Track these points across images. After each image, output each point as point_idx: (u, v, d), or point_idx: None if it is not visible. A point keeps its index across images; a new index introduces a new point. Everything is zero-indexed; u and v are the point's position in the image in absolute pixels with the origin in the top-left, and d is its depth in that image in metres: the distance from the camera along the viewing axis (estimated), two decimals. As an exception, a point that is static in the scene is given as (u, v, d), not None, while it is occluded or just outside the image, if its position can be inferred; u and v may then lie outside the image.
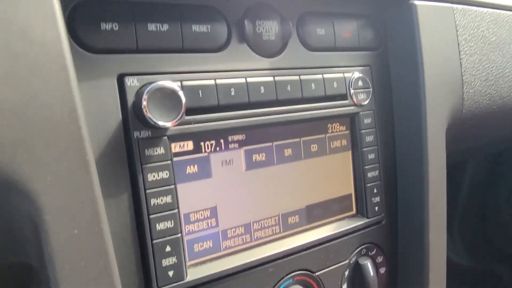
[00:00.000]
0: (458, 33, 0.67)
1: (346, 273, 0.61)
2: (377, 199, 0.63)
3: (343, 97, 0.59)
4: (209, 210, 0.50)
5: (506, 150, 1.58)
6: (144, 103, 0.41)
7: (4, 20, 0.33)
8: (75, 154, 0.35)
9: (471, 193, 1.70)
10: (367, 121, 0.62)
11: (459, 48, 0.68)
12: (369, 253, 0.64)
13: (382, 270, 0.66)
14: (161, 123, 0.42)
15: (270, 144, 0.54)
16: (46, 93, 0.34)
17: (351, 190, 0.63)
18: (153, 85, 0.41)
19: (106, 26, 0.41)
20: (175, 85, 0.43)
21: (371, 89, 0.61)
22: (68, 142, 0.35)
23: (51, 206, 0.34)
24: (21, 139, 0.33)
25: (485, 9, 0.74)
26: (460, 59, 0.68)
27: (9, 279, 0.41)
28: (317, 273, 0.57)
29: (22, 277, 0.41)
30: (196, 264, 0.49)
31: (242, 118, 0.50)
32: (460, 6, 0.69)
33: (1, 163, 0.32)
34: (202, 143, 0.49)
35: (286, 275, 0.54)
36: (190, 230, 0.49)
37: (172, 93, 0.42)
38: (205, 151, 0.49)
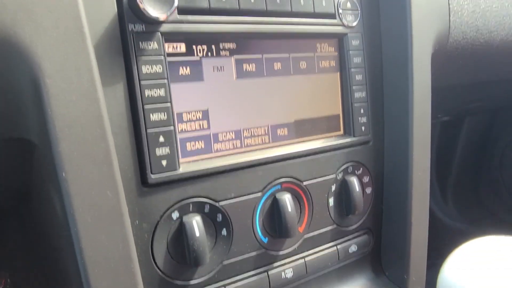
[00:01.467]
0: (445, -38, 0.69)
1: (333, 187, 0.64)
2: (364, 119, 0.66)
3: (332, 16, 0.61)
4: (201, 112, 0.53)
5: (499, 113, 1.61)
6: (138, -7, 0.43)
7: None
8: (72, 24, 0.37)
9: (465, 158, 1.73)
10: (355, 42, 0.64)
11: (446, -23, 0.69)
12: (356, 171, 0.67)
13: (368, 190, 0.69)
14: (153, 14, 0.44)
15: (260, 56, 0.57)
16: (44, -37, 0.36)
17: (339, 111, 0.65)
18: (146, -23, 0.44)
19: None
20: (168, -21, 0.45)
21: (359, 12, 0.64)
22: (65, 10, 0.37)
23: (50, 69, 0.36)
24: (22, 3, 0.35)
25: None
26: (447, -13, 0.70)
27: (9, 157, 0.44)
28: (304, 183, 0.60)
29: (22, 155, 0.44)
30: (189, 162, 0.52)
31: (232, 24, 0.52)
32: None
33: (4, 25, 0.34)
34: (194, 47, 0.51)
35: (275, 180, 0.57)
36: (183, 129, 0.51)
37: (165, -13, 0.45)
38: (197, 55, 0.52)
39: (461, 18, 0.72)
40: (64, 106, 0.37)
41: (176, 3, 0.45)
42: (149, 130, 0.47)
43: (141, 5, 0.44)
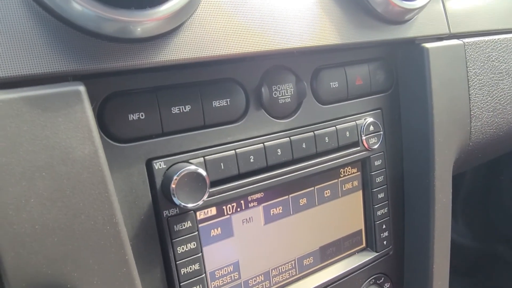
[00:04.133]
0: (468, 68, 0.68)
1: (356, 303, 0.66)
2: (386, 233, 0.67)
3: (355, 144, 0.62)
4: (232, 265, 0.54)
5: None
6: (173, 188, 0.44)
7: (47, 145, 0.35)
8: (116, 255, 0.39)
9: (475, 177, 1.74)
10: (377, 163, 0.64)
11: (468, 84, 0.69)
12: (377, 281, 0.69)
13: (389, 295, 0.71)
14: (190, 205, 0.45)
15: (286, 197, 0.58)
16: (88, 206, 0.37)
17: (362, 226, 0.67)
18: (180, 171, 0.44)
19: (133, 116, 0.44)
20: (201, 169, 0.45)
21: (382, 132, 0.64)
22: (110, 245, 0.38)
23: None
24: (69, 252, 0.36)
25: (496, 37, 0.74)
26: (469, 94, 0.69)
27: None
28: (330, 308, 0.62)
29: None
30: (222, 315, 0.54)
31: (260, 182, 0.53)
32: (471, 40, 0.69)
33: (54, 276, 0.36)
34: (224, 207, 0.52)
35: (302, 315, 0.59)
36: (216, 286, 0.53)
37: (198, 176, 0.45)
38: (227, 214, 0.53)
39: (482, 121, 0.71)
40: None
41: (208, 188, 0.46)
42: (186, 306, 0.49)
43: (176, 199, 0.44)
